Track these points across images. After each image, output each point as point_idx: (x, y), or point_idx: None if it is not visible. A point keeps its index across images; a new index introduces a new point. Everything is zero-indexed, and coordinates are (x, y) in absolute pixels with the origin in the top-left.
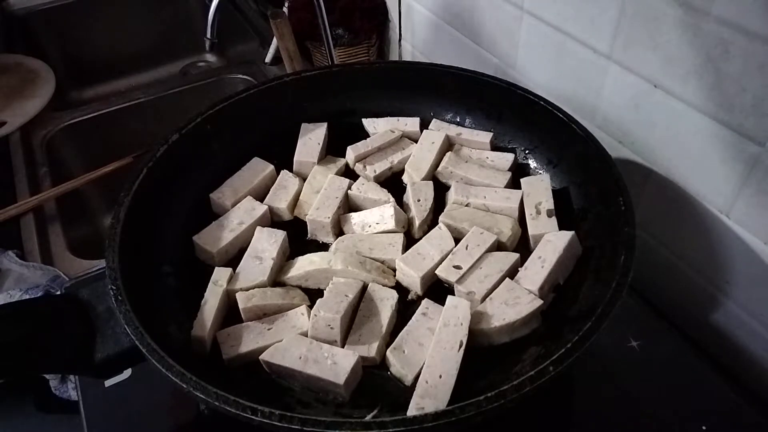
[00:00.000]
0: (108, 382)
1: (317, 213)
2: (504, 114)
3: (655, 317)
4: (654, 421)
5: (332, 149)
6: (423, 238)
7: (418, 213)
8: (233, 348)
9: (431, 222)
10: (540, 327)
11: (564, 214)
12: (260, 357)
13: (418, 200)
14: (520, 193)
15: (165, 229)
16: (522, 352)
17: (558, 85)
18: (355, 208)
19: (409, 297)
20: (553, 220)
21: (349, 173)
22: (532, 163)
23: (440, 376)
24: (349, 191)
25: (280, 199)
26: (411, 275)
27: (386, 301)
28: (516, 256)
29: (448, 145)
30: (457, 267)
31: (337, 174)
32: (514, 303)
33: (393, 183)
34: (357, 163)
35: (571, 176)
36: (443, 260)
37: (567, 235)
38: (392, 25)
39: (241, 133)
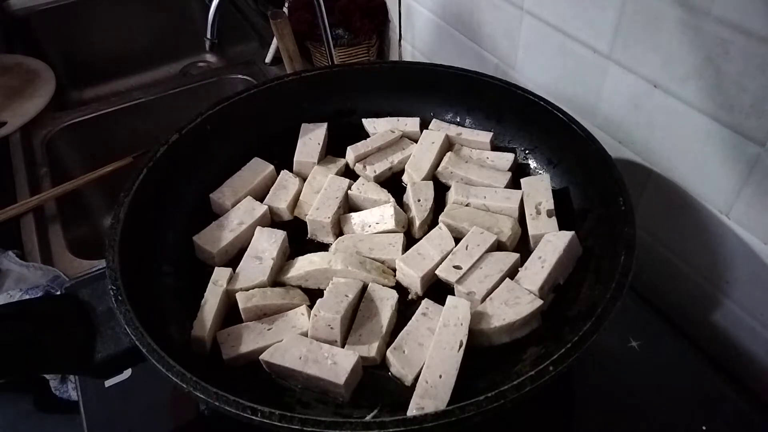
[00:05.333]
0: (108, 382)
1: (317, 213)
2: (504, 114)
3: (655, 317)
4: (654, 421)
5: (332, 149)
6: (423, 238)
7: (419, 213)
8: (233, 348)
9: (431, 222)
10: (540, 327)
11: (564, 214)
12: (260, 357)
13: (419, 200)
14: (520, 193)
15: (165, 229)
16: (522, 352)
17: (558, 86)
18: (355, 208)
19: (409, 297)
20: (553, 220)
21: (349, 173)
22: (532, 163)
23: (440, 376)
24: (349, 191)
25: (280, 199)
26: (411, 275)
27: (386, 301)
28: (516, 256)
29: (448, 145)
30: (457, 267)
31: (337, 174)
32: (514, 303)
33: (393, 183)
34: (357, 163)
35: (571, 176)
36: (443, 260)
37: (567, 235)
38: (392, 25)
39: (241, 133)
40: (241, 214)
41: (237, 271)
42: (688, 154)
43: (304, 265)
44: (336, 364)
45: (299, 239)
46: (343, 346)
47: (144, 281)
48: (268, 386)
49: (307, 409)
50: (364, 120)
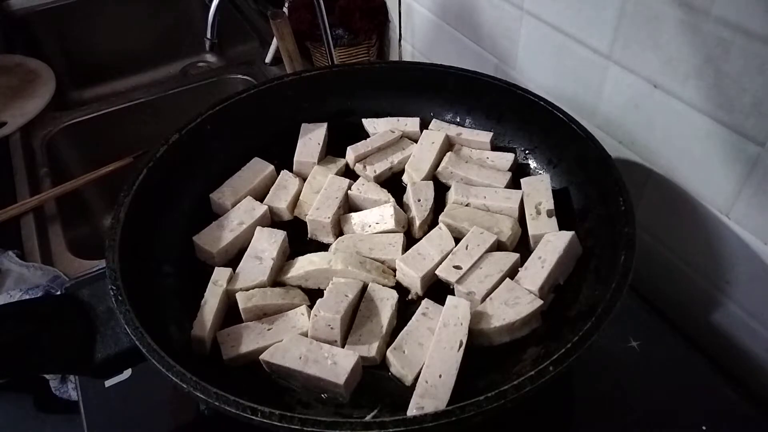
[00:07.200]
0: (108, 382)
1: (317, 213)
2: (504, 114)
3: (655, 317)
4: (654, 421)
5: (332, 149)
6: (423, 238)
7: (419, 213)
8: (233, 348)
9: (431, 222)
10: (540, 327)
11: (564, 214)
12: (260, 357)
13: (419, 200)
14: (520, 193)
15: (165, 229)
16: (522, 352)
17: (558, 85)
18: (355, 208)
19: (409, 297)
20: (553, 220)
21: (349, 173)
22: (532, 163)
23: (440, 376)
24: (349, 191)
25: (280, 199)
26: (411, 275)
27: (386, 301)
28: (516, 256)
29: (448, 145)
30: (457, 267)
31: (337, 174)
32: (514, 303)
33: (393, 183)
34: (357, 163)
35: (571, 176)
36: (443, 260)
37: (567, 236)
38: (392, 25)
39: (241, 133)
40: (241, 214)
41: (237, 271)
42: (688, 154)
43: (304, 265)
44: (336, 364)
45: (299, 239)
46: (343, 346)
47: (144, 281)
48: (268, 386)
49: (307, 409)
50: (364, 120)
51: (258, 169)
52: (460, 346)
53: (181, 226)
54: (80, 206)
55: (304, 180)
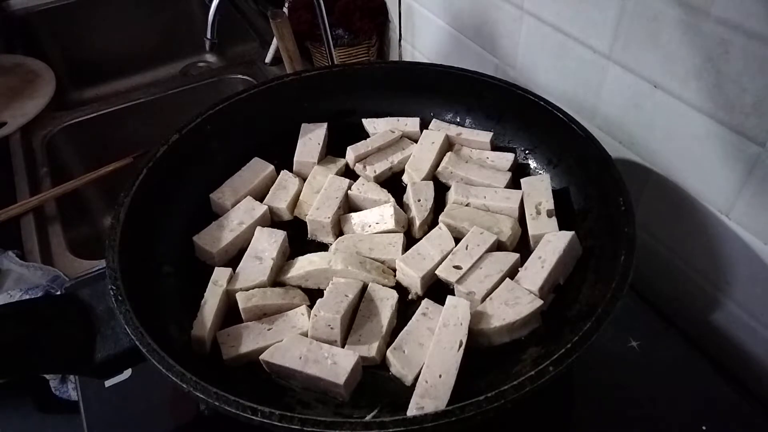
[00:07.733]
0: (108, 382)
1: (317, 213)
2: (504, 114)
3: (655, 317)
4: (654, 421)
5: (332, 149)
6: (423, 238)
7: (419, 213)
8: (233, 348)
9: (431, 222)
10: (540, 327)
11: (564, 214)
12: (260, 357)
13: (419, 200)
14: (520, 193)
15: (165, 229)
16: (522, 352)
17: (558, 86)
18: (355, 208)
19: (409, 297)
20: (554, 220)
21: (349, 173)
22: (532, 163)
23: (440, 376)
24: (349, 191)
25: (280, 199)
26: (411, 275)
27: (386, 301)
28: (516, 256)
29: (448, 145)
30: (457, 267)
31: (337, 174)
32: (514, 303)
33: (393, 183)
34: (357, 163)
35: (571, 176)
36: (443, 260)
37: (567, 236)
38: (392, 26)
39: (241, 133)
40: (241, 214)
41: (237, 271)
42: (688, 154)
43: (304, 265)
44: (336, 364)
45: (299, 239)
46: (343, 346)
47: (144, 281)
48: (268, 386)
49: (307, 409)
50: (364, 120)
51: (258, 169)
52: (460, 346)
53: (181, 226)
54: (80, 206)
55: (304, 180)
